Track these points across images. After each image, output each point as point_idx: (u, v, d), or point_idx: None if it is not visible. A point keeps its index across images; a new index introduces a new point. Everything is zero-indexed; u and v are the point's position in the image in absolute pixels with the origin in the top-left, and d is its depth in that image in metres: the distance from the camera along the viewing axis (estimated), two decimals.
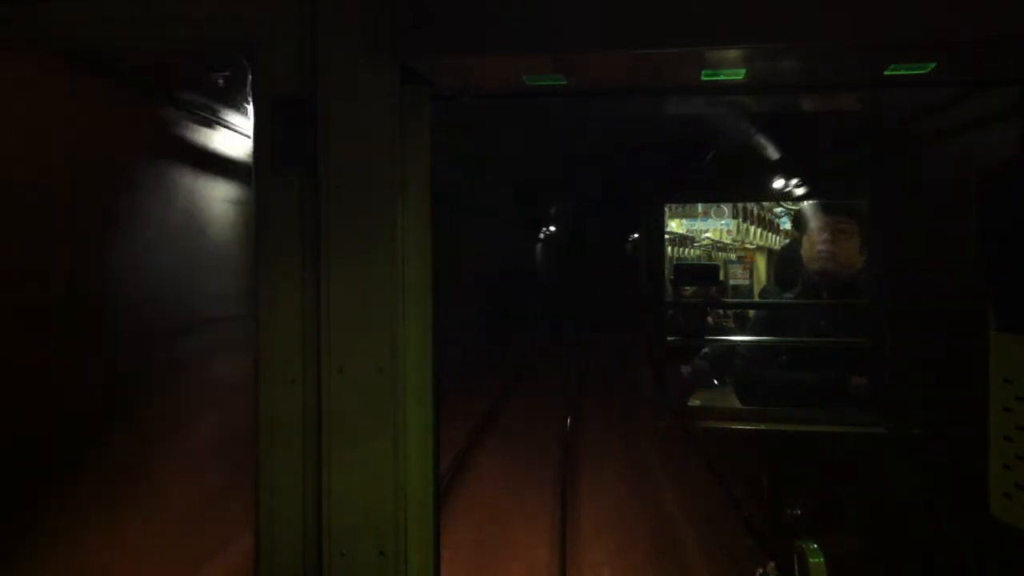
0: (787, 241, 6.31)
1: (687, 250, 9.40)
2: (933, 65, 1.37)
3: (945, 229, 2.36)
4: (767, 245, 9.09)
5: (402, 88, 1.43)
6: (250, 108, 1.52)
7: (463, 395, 6.47)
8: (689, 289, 4.30)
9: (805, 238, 3.33)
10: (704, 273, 4.23)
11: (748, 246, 9.32)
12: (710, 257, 9.54)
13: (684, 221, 9.02)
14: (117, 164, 2.55)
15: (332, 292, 1.43)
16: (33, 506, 2.18)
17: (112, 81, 2.45)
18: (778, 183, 4.09)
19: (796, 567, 1.57)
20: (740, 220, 8.86)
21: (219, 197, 3.07)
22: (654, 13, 1.30)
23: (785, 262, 3.92)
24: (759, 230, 9.01)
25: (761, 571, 1.87)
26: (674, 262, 7.41)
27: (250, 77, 1.48)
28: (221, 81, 2.57)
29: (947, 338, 2.38)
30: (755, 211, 8.85)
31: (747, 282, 8.97)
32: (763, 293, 5.58)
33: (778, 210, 8.42)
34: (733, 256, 9.56)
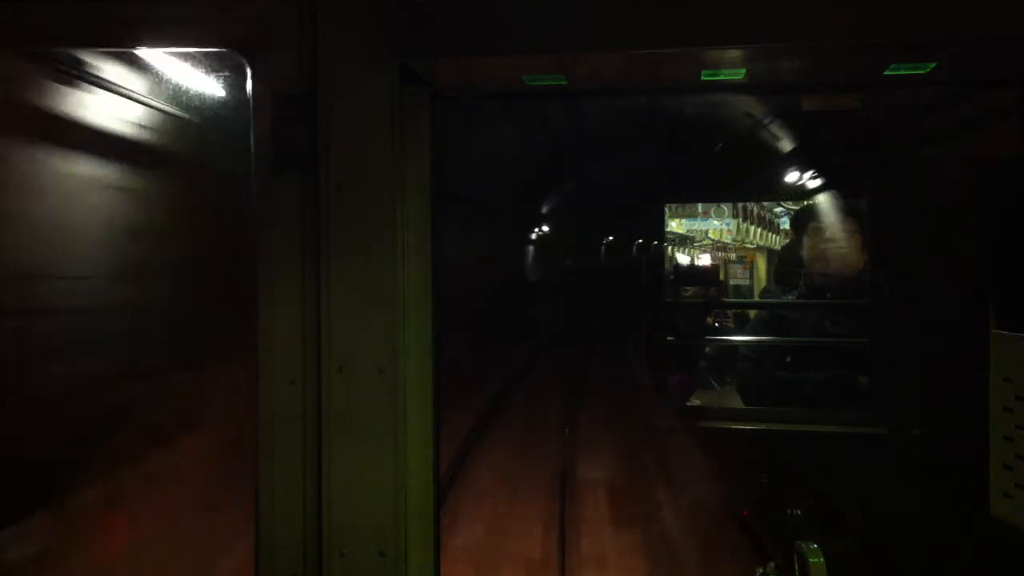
0: (787, 241, 6.31)
1: (686, 250, 9.40)
2: (933, 65, 1.37)
3: (945, 228, 2.36)
4: (767, 245, 9.10)
5: (402, 88, 1.43)
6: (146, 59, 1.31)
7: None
8: (689, 290, 4.30)
9: (806, 238, 3.33)
10: (704, 274, 4.24)
11: (748, 246, 9.33)
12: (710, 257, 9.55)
13: (684, 221, 9.03)
14: None
15: (332, 292, 1.43)
16: None
17: None
18: (779, 183, 4.09)
19: (796, 567, 1.57)
20: (740, 220, 8.88)
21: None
22: (654, 13, 1.30)
23: (786, 262, 3.92)
24: (759, 230, 9.02)
25: (761, 571, 1.86)
26: (673, 262, 7.42)
27: (249, 77, 1.48)
28: None
29: (947, 338, 2.38)
30: (755, 211, 8.86)
31: (747, 282, 8.98)
32: (764, 293, 5.59)
33: (778, 210, 8.43)
34: (733, 256, 9.57)
